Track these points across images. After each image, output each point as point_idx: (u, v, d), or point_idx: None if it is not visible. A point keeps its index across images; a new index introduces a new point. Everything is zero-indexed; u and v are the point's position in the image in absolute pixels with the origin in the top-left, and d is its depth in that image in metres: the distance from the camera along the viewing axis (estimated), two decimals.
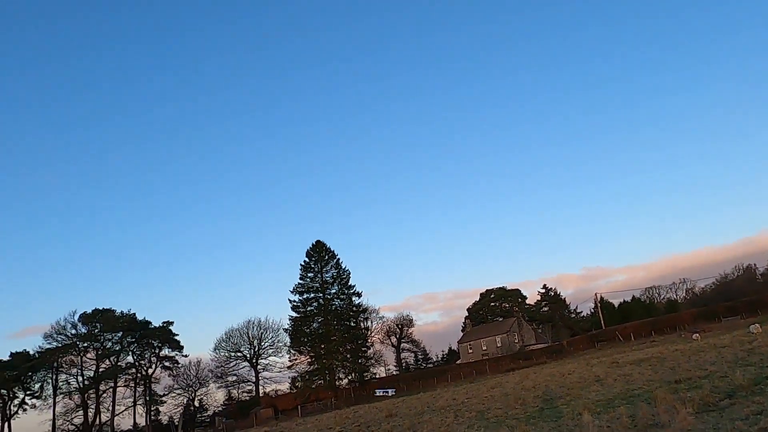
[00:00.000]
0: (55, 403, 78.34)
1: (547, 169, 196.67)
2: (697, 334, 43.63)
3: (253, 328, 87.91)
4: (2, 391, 75.88)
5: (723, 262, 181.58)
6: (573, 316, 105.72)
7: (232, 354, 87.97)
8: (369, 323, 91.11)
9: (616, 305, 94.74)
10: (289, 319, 78.69)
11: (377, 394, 65.01)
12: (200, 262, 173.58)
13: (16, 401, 77.39)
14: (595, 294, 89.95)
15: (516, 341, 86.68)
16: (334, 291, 79.13)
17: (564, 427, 15.10)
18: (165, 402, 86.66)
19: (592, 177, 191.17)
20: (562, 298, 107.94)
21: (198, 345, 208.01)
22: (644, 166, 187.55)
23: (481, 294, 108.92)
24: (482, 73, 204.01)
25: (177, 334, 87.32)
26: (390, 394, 62.33)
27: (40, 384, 79.08)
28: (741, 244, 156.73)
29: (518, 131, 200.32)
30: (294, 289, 78.96)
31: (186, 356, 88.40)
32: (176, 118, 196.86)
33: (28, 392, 78.23)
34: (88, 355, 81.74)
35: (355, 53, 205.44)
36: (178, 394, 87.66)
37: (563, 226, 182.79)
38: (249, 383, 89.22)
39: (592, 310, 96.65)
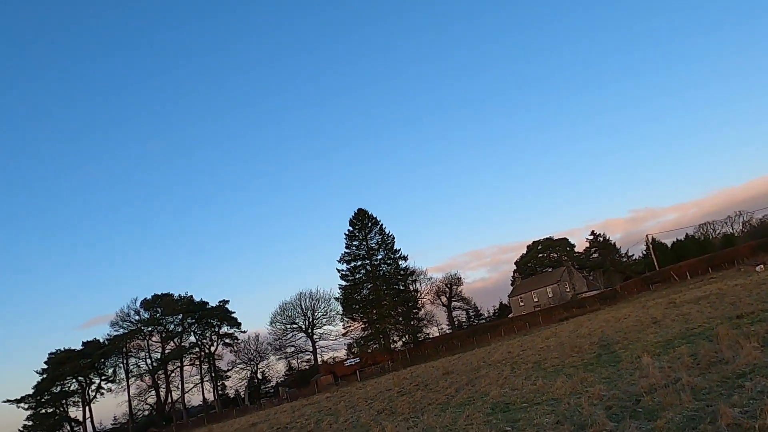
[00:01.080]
0: (128, 386, 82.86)
1: (584, 114, 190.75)
2: (761, 266, 42.02)
3: (305, 299, 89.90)
4: (80, 378, 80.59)
5: None
6: (624, 260, 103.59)
7: (288, 326, 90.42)
8: (418, 285, 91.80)
9: (669, 245, 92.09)
10: (339, 288, 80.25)
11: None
12: (248, 240, 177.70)
13: (93, 386, 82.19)
14: (646, 235, 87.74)
15: (567, 290, 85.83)
16: (380, 257, 79.93)
17: (623, 371, 14.94)
18: (230, 377, 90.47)
19: (632, 118, 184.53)
20: (612, 242, 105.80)
21: (255, 320, 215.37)
22: (685, 102, 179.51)
23: (528, 246, 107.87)
24: (523, 22, 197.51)
25: (234, 312, 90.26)
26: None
27: (112, 369, 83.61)
28: None
29: (553, 81, 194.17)
30: (341, 258, 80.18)
31: (244, 332, 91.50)
32: (218, 99, 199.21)
33: (103, 377, 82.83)
34: (154, 339, 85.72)
35: (386, 18, 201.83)
36: (241, 368, 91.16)
37: (606, 170, 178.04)
38: (307, 353, 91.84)
39: (644, 252, 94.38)
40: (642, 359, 15.25)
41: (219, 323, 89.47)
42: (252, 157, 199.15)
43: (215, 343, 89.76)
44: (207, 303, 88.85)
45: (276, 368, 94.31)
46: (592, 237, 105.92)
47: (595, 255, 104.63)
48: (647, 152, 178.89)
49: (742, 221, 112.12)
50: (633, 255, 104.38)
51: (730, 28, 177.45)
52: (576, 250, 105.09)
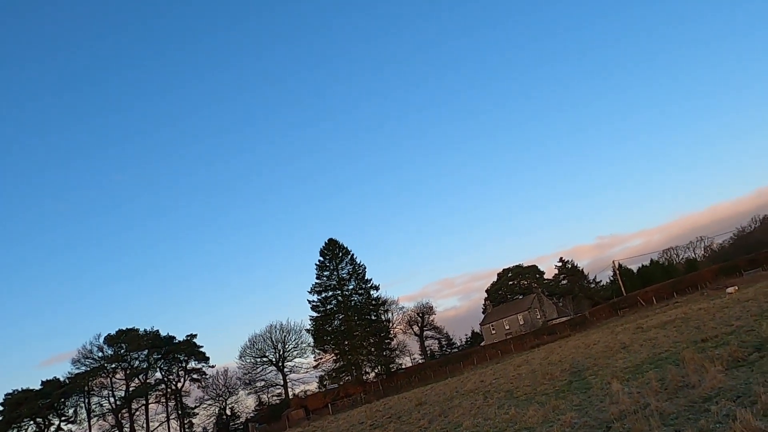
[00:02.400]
0: (90, 426, 79.42)
1: (551, 143, 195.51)
2: (734, 288, 43.14)
3: (275, 332, 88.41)
4: (38, 419, 76.92)
5: (739, 215, 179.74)
6: (592, 286, 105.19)
7: (258, 360, 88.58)
8: (390, 315, 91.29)
9: (635, 270, 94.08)
10: (310, 319, 79.21)
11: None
12: (217, 273, 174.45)
13: (52, 428, 78.47)
14: (613, 261, 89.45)
15: (538, 317, 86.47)
16: (351, 287, 79.45)
17: (594, 398, 15.02)
18: (197, 414, 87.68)
19: (598, 146, 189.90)
20: (580, 269, 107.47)
21: (224, 355, 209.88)
22: (648, 128, 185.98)
23: (498, 274, 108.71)
24: (485, 55, 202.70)
25: (201, 346, 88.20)
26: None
27: (73, 409, 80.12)
28: (755, 196, 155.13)
29: (518, 113, 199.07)
30: (312, 289, 79.40)
31: (212, 367, 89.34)
32: (182, 130, 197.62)
33: (63, 418, 79.22)
34: (117, 376, 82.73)
35: (355, 49, 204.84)
36: (209, 404, 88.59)
37: (573, 198, 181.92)
38: (278, 386, 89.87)
39: (611, 278, 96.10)
40: (612, 385, 15.38)
41: (186, 358, 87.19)
42: (220, 188, 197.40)
43: (182, 379, 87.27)
44: (174, 337, 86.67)
45: (245, 403, 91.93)
46: (560, 264, 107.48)
47: (564, 281, 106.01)
48: (612, 179, 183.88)
49: (704, 246, 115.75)
50: (601, 281, 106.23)
51: (691, 57, 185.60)
52: (545, 277, 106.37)
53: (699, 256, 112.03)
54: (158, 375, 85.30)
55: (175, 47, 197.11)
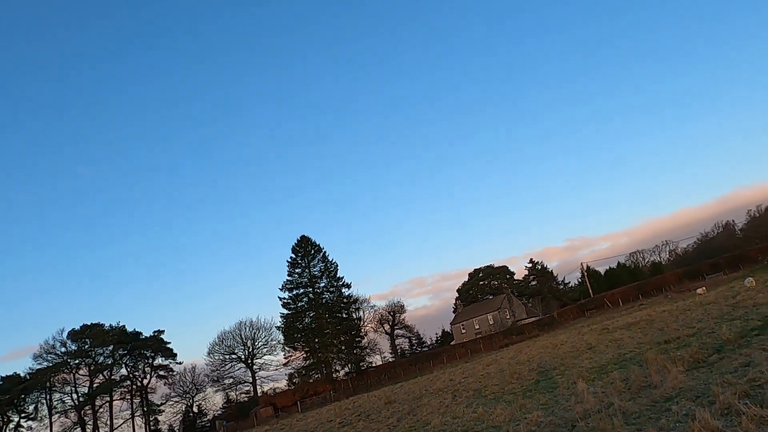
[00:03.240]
0: (51, 423, 77.40)
1: (522, 147, 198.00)
2: (702, 289, 44.27)
3: (245, 328, 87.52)
4: None
5: (703, 220, 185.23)
6: (561, 287, 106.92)
7: (227, 356, 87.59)
8: (361, 313, 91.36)
9: (603, 273, 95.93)
10: (281, 317, 78.69)
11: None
12: (186, 268, 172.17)
13: (11, 425, 76.26)
14: (581, 263, 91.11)
15: (507, 317, 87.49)
16: (323, 284, 79.14)
17: (560, 397, 15.27)
18: (163, 411, 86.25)
19: (568, 150, 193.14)
20: (549, 270, 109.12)
21: (191, 351, 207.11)
22: (616, 135, 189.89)
23: (469, 274, 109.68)
24: (457, 58, 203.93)
25: (169, 342, 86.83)
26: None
27: (34, 405, 78.01)
28: (718, 202, 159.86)
29: (490, 112, 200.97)
30: (283, 286, 78.86)
31: (180, 363, 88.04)
32: (154, 125, 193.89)
33: (22, 415, 77.06)
34: (81, 372, 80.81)
35: (328, 47, 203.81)
36: (176, 401, 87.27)
37: (543, 200, 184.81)
38: (246, 384, 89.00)
39: (580, 280, 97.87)
40: (578, 385, 15.65)
41: (153, 354, 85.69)
42: (190, 183, 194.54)
43: (148, 376, 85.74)
44: (140, 333, 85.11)
45: (213, 401, 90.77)
46: (530, 265, 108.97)
47: (534, 282, 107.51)
48: (582, 183, 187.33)
49: (669, 250, 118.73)
50: (569, 282, 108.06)
51: (659, 66, 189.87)
52: (516, 277, 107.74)
53: (664, 259, 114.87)
54: (123, 371, 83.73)
55: (144, 38, 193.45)
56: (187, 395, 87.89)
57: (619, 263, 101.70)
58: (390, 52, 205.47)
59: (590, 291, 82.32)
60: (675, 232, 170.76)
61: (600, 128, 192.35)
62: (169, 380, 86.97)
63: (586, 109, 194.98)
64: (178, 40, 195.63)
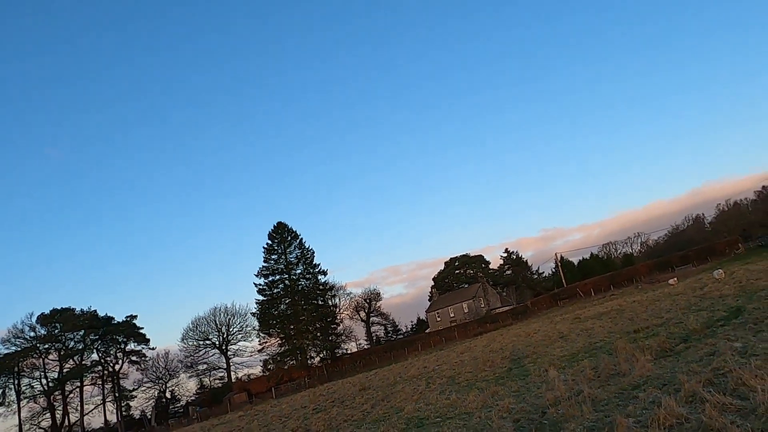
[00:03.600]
0: (19, 408, 76.08)
1: (499, 136, 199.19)
2: (674, 279, 45.15)
3: (220, 314, 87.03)
4: None
5: (674, 213, 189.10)
6: (535, 276, 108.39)
7: (201, 342, 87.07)
8: (336, 300, 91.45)
9: (576, 263, 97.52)
10: (256, 303, 78.28)
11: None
12: (161, 253, 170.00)
13: None
14: (556, 254, 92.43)
15: (482, 306, 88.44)
16: (299, 271, 78.90)
17: (531, 385, 15.52)
18: (135, 396, 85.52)
19: (544, 142, 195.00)
20: (524, 260, 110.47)
21: (165, 337, 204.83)
22: (590, 128, 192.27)
23: (445, 263, 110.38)
24: (430, 44, 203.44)
25: (142, 328, 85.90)
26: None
27: (1, 390, 76.43)
28: (689, 196, 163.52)
29: (467, 102, 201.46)
30: (259, 272, 78.39)
31: (153, 349, 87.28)
32: (131, 107, 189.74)
33: None
34: (51, 357, 79.39)
35: (300, 33, 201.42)
36: (148, 387, 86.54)
37: (519, 191, 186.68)
38: (220, 370, 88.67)
39: (553, 270, 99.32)
40: (549, 373, 15.93)
41: (125, 340, 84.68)
42: (165, 167, 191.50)
43: (120, 361, 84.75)
44: (113, 318, 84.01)
45: (186, 387, 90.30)
46: (506, 255, 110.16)
47: (509, 272, 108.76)
48: (556, 175, 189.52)
49: (640, 242, 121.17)
50: (543, 272, 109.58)
51: (633, 59, 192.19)
52: (491, 267, 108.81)
53: (636, 251, 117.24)
54: (95, 356, 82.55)
55: (114, 16, 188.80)
56: (160, 381, 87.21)
57: (592, 254, 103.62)
58: (363, 39, 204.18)
59: (563, 281, 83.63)
60: (647, 224, 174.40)
61: (575, 122, 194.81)
62: (142, 366, 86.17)
63: (561, 102, 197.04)
64: (144, 20, 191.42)
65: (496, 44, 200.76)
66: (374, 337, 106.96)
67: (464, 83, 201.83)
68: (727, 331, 14.78)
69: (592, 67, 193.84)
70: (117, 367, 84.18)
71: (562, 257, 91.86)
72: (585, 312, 37.89)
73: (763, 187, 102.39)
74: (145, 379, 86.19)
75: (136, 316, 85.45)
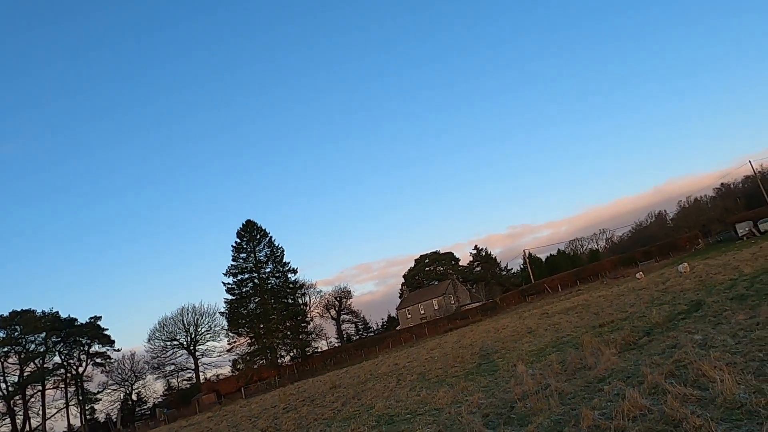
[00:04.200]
0: None
1: (466, 134, 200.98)
2: (640, 273, 46.02)
3: (187, 314, 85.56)
4: None
5: (637, 210, 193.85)
6: (504, 273, 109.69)
7: (168, 343, 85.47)
8: (307, 299, 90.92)
9: (544, 259, 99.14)
10: (225, 302, 77.22)
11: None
12: (127, 252, 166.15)
13: None
14: (524, 250, 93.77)
15: (452, 302, 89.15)
16: (268, 270, 78.18)
17: (500, 380, 15.72)
18: (100, 399, 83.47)
19: (510, 138, 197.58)
20: (493, 257, 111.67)
21: (131, 338, 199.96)
22: (556, 126, 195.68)
23: (415, 260, 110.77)
24: (400, 41, 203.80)
25: (106, 329, 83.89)
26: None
27: None
28: (652, 193, 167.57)
29: (435, 98, 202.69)
30: (227, 271, 77.39)
31: (118, 350, 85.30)
32: (96, 104, 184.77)
33: None
34: (10, 360, 76.71)
35: (270, 31, 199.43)
36: (114, 389, 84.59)
37: (487, 188, 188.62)
38: (188, 371, 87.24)
39: (522, 266, 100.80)
40: (517, 367, 16.15)
41: (89, 341, 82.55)
42: (130, 160, 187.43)
43: (84, 364, 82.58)
44: (76, 320, 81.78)
45: (153, 388, 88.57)
46: (475, 251, 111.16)
47: (478, 268, 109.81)
48: (524, 172, 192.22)
49: (606, 238, 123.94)
50: (512, 269, 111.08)
51: (598, 56, 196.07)
52: (461, 264, 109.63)
53: (601, 247, 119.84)
54: (57, 359, 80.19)
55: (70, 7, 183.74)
56: (126, 383, 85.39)
57: (559, 250, 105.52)
58: (321, 34, 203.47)
59: (531, 277, 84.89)
60: (612, 220, 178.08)
61: (540, 119, 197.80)
62: (107, 368, 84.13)
63: (527, 99, 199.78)
64: (105, 10, 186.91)
65: (456, 38, 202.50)
66: (345, 335, 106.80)
67: (430, 78, 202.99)
68: (688, 324, 15.23)
69: (558, 64, 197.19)
70: (80, 369, 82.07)
71: (530, 254, 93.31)
72: (552, 307, 38.55)
73: (722, 184, 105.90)
74: (111, 382, 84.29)
75: (100, 317, 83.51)
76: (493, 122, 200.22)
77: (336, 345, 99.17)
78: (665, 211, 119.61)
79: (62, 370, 79.96)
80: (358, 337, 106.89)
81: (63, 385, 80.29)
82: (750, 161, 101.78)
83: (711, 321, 14.70)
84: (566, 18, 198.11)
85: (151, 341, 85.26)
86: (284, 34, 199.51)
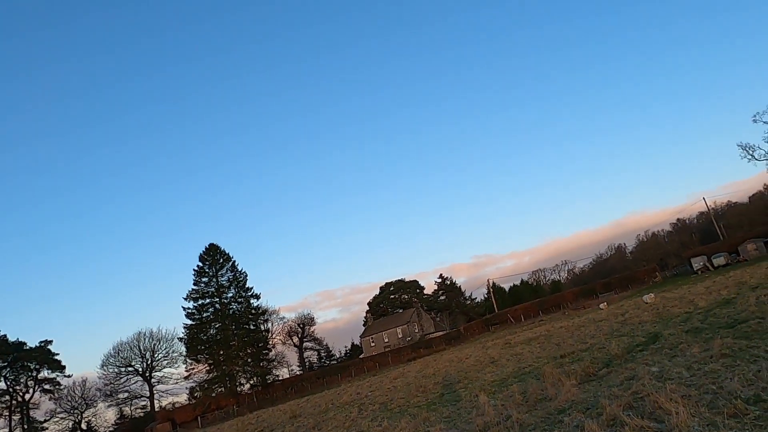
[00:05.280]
0: None
1: (431, 164, 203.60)
2: (604, 304, 46.69)
3: (144, 339, 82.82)
4: None
5: (598, 243, 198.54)
6: (468, 302, 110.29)
7: (123, 369, 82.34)
8: (269, 325, 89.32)
9: (507, 289, 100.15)
10: (184, 327, 75.12)
11: None
12: (81, 273, 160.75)
13: None
14: (488, 280, 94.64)
15: (416, 331, 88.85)
16: (231, 295, 76.63)
17: (462, 410, 15.64)
18: (47, 428, 79.44)
19: (472, 167, 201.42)
20: (458, 286, 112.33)
21: (83, 363, 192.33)
22: (521, 160, 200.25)
23: (380, 287, 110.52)
24: (355, 69, 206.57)
25: (57, 354, 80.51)
26: None
27: None
28: (612, 227, 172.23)
29: (397, 126, 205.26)
30: (188, 295, 75.48)
31: (69, 376, 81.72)
32: (50, 118, 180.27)
33: None
34: None
35: (236, 47, 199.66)
36: (62, 418, 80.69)
37: (453, 218, 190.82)
38: (143, 398, 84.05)
39: (486, 296, 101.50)
40: (479, 398, 16.10)
41: (38, 367, 78.91)
42: (87, 179, 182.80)
43: (31, 390, 78.75)
44: (24, 343, 78.25)
45: (105, 417, 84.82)
46: (440, 280, 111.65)
47: (443, 297, 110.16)
48: (488, 202, 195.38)
49: (568, 269, 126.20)
50: (476, 298, 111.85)
51: (558, 90, 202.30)
52: (426, 292, 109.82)
53: (563, 278, 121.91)
54: (2, 385, 76.36)
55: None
56: (76, 411, 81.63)
57: (522, 280, 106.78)
58: (304, 55, 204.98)
59: (495, 307, 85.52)
60: (574, 252, 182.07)
61: (505, 153, 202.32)
62: (56, 395, 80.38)
63: (490, 129, 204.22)
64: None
65: (422, 64, 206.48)
66: (307, 363, 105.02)
67: (387, 106, 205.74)
68: (645, 356, 15.52)
69: (527, 100, 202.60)
70: (27, 396, 78.23)
71: (494, 283, 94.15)
72: (515, 337, 38.80)
73: (678, 219, 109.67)
74: (59, 409, 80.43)
75: (51, 341, 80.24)
76: (457, 151, 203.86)
77: (298, 373, 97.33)
78: (624, 244, 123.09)
79: (7, 397, 76.07)
80: (320, 365, 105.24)
81: (7, 413, 76.28)
82: (704, 198, 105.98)
83: (667, 353, 15.01)
84: (520, 48, 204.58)
85: (105, 367, 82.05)
86: (225, 63, 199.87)
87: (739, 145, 66.22)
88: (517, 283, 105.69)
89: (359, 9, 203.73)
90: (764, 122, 62.53)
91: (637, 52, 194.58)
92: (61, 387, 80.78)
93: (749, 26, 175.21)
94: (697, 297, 27.74)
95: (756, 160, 63.75)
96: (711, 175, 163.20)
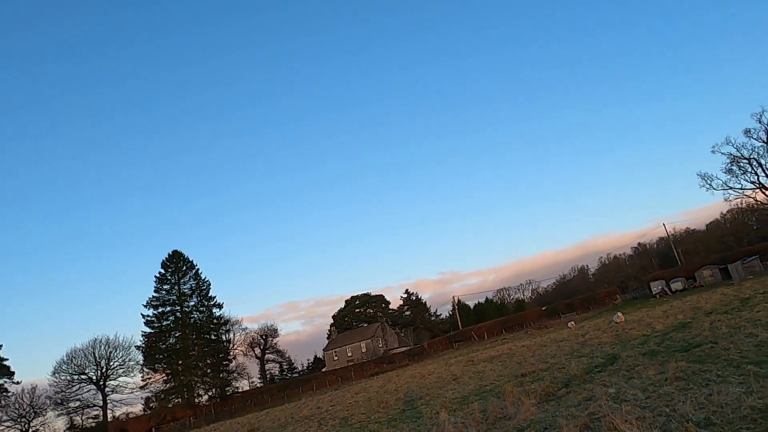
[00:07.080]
0: None
1: (399, 177, 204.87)
2: (572, 323, 47.16)
3: (100, 346, 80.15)
4: None
5: (562, 263, 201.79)
6: (433, 318, 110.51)
7: (76, 377, 79.51)
8: (231, 335, 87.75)
9: (472, 306, 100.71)
10: (143, 335, 73.29)
11: None
12: (37, 275, 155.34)
13: None
14: (453, 297, 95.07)
15: (380, 346, 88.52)
16: (192, 303, 75.24)
17: (423, 427, 15.60)
18: None
19: (439, 183, 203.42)
20: (423, 301, 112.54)
21: (34, 369, 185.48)
22: (488, 177, 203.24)
23: (346, 301, 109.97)
24: (338, 70, 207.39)
25: (6, 359, 77.21)
26: None
27: None
28: (577, 248, 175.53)
29: (367, 139, 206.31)
30: (148, 302, 73.84)
31: (18, 383, 78.37)
32: (16, 122, 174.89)
33: None
34: None
35: (206, 51, 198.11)
36: (8, 426, 77.26)
37: (420, 234, 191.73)
38: (96, 408, 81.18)
39: (450, 312, 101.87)
40: (440, 415, 16.09)
41: None
42: (44, 181, 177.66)
43: None
44: None
45: (54, 426, 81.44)
46: (406, 295, 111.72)
47: (408, 313, 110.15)
48: (454, 219, 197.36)
49: (532, 288, 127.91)
50: (441, 314, 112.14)
51: (540, 109, 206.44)
52: (391, 307, 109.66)
53: (527, 297, 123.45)
54: None
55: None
56: (23, 419, 78.23)
57: (487, 298, 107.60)
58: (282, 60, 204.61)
59: (459, 323, 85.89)
60: (538, 272, 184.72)
61: (472, 172, 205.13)
62: (3, 402, 77.01)
63: (462, 151, 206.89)
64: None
65: (392, 80, 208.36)
66: (269, 376, 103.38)
67: (360, 119, 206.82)
68: (603, 377, 15.78)
69: (497, 118, 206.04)
70: None
71: (459, 300, 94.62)
72: (478, 355, 39.02)
73: (639, 244, 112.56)
74: (5, 417, 76.93)
75: (0, 346, 77.03)
76: (425, 167, 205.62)
77: (258, 385, 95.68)
78: (587, 266, 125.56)
79: None
80: (282, 377, 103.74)
81: None
82: (664, 224, 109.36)
83: (624, 375, 15.30)
84: (493, 72, 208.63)
85: (57, 374, 79.05)
86: (200, 72, 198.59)
87: (698, 175, 68.55)
88: (482, 300, 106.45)
89: (352, 16, 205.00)
90: (722, 153, 65.05)
91: (609, 78, 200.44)
92: (9, 394, 77.49)
93: (711, 59, 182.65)
94: (654, 320, 28.40)
95: (714, 189, 66.02)
96: (673, 201, 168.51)
